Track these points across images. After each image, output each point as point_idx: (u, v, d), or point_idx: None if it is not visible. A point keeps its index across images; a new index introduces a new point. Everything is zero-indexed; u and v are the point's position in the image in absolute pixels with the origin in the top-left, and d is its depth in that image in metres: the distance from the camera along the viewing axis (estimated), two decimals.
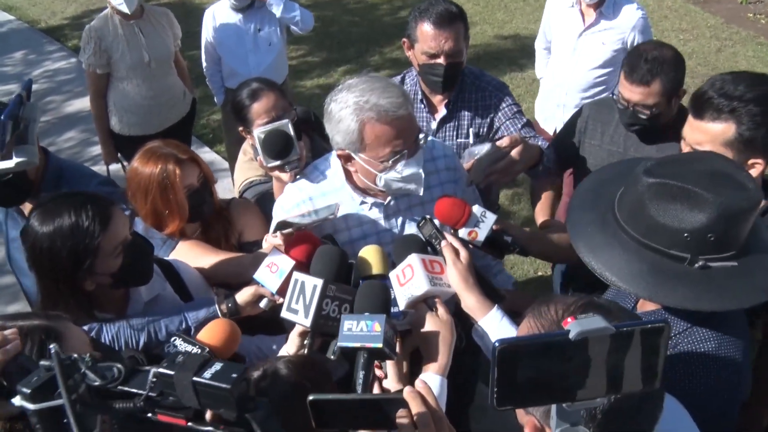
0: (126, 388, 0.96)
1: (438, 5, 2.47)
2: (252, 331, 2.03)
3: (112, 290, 1.88)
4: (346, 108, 1.75)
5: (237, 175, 2.72)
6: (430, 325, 1.49)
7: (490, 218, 1.76)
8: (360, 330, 1.35)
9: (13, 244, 2.51)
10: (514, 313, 1.65)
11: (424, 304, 1.54)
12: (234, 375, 0.90)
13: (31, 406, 0.95)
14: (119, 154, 4.22)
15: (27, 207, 2.41)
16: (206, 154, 5.71)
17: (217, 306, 1.92)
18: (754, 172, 1.83)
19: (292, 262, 1.71)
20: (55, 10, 9.09)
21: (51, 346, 0.89)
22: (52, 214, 1.72)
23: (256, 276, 1.75)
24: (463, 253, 1.62)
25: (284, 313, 1.54)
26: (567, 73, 3.68)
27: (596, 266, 1.47)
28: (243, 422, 0.92)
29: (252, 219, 2.41)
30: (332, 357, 1.49)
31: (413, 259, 1.57)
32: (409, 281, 1.56)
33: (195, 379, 0.89)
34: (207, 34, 4.13)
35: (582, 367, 0.89)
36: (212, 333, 1.48)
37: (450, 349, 1.46)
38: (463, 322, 1.59)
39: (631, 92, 2.36)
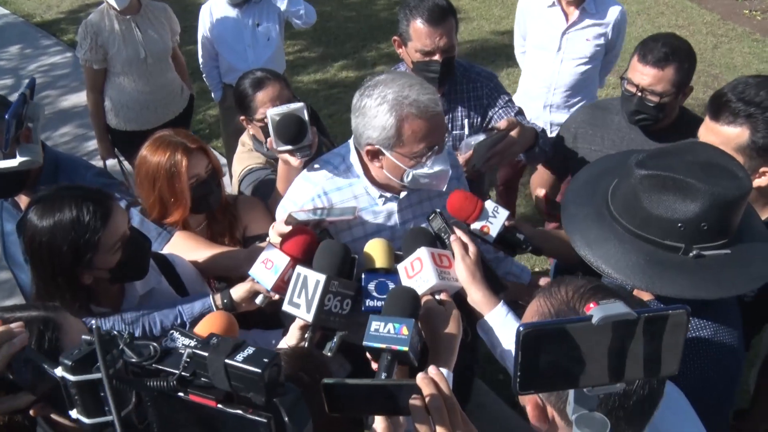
0: (160, 367, 0.98)
1: (428, 1, 2.46)
2: (248, 326, 2.04)
3: (108, 284, 1.88)
4: (384, 104, 1.76)
5: (236, 165, 2.72)
6: (436, 319, 1.49)
7: (503, 214, 1.77)
8: (387, 332, 1.35)
9: (9, 238, 2.51)
10: (514, 302, 1.68)
11: (431, 297, 1.55)
12: (265, 360, 0.91)
13: (71, 378, 0.97)
14: (116, 150, 4.20)
15: (23, 200, 2.41)
16: None
17: (212, 301, 1.92)
18: (765, 180, 1.84)
19: (288, 259, 1.70)
20: (50, 4, 9.05)
21: (91, 321, 0.92)
22: (52, 208, 1.72)
23: (251, 272, 1.75)
24: (472, 248, 1.64)
25: (286, 307, 1.55)
26: (553, 72, 3.69)
27: (593, 259, 1.48)
28: (271, 407, 0.93)
29: (258, 214, 2.41)
30: (329, 353, 1.49)
31: (422, 253, 1.58)
32: (417, 274, 1.56)
33: (227, 361, 0.91)
34: (204, 29, 4.10)
35: (603, 352, 0.90)
36: (209, 326, 1.49)
37: (456, 344, 1.47)
38: (468, 317, 1.59)
39: (642, 75, 2.33)
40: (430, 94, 1.77)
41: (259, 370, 0.89)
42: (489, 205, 1.76)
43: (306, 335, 1.55)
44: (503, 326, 1.58)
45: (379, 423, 1.20)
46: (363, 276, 1.61)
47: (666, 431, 1.20)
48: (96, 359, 0.93)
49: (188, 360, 0.96)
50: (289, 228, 1.78)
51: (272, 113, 2.07)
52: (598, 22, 3.56)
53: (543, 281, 1.91)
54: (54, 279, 1.77)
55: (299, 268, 1.55)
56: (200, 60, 4.24)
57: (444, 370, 1.42)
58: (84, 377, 0.97)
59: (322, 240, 1.73)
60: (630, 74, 2.39)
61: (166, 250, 2.18)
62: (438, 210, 1.75)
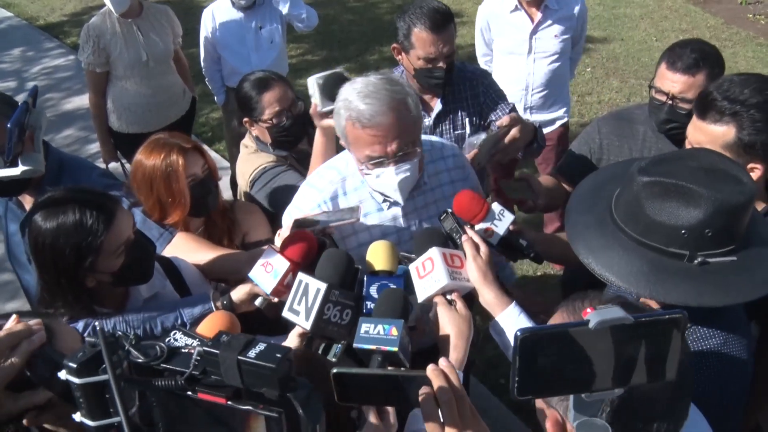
0: (169, 366, 0.98)
1: (427, 8, 2.47)
2: (252, 331, 2.02)
3: (112, 287, 1.88)
4: (339, 103, 1.79)
5: (243, 167, 2.69)
6: (448, 319, 1.49)
7: (508, 217, 1.75)
8: (377, 333, 1.36)
9: (13, 239, 2.51)
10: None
11: (442, 297, 1.55)
12: (278, 355, 0.91)
13: (76, 380, 0.97)
14: (118, 153, 4.21)
15: (27, 200, 2.40)
16: None
17: (212, 302, 1.92)
18: (753, 176, 1.83)
19: (287, 263, 1.69)
20: (54, 6, 9.08)
21: (96, 322, 0.92)
22: (56, 210, 1.72)
23: (251, 275, 1.75)
24: (483, 248, 1.63)
25: (285, 313, 1.54)
26: (528, 74, 3.72)
27: (596, 267, 1.47)
28: (283, 402, 0.93)
29: (256, 221, 2.40)
30: (333, 359, 1.49)
31: (434, 253, 1.57)
32: (428, 274, 1.56)
33: (240, 357, 0.91)
34: (206, 33, 4.11)
35: (601, 357, 0.90)
36: (212, 326, 1.48)
37: (467, 344, 1.47)
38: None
39: (672, 82, 2.25)
40: (374, 105, 1.73)
41: (273, 365, 0.90)
42: (496, 207, 1.75)
43: (304, 343, 1.54)
44: (516, 327, 1.55)
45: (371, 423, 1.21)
46: (365, 279, 1.60)
47: None
48: (101, 361, 0.92)
49: (198, 358, 0.96)
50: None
51: (315, 78, 2.15)
52: (563, 17, 3.62)
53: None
54: (57, 281, 1.77)
55: (301, 275, 1.55)
56: (202, 63, 4.25)
57: None
58: (90, 379, 0.97)
59: (325, 246, 1.72)
60: (659, 82, 2.29)
61: (167, 251, 2.17)
62: (449, 210, 1.74)
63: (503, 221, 1.74)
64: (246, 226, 2.39)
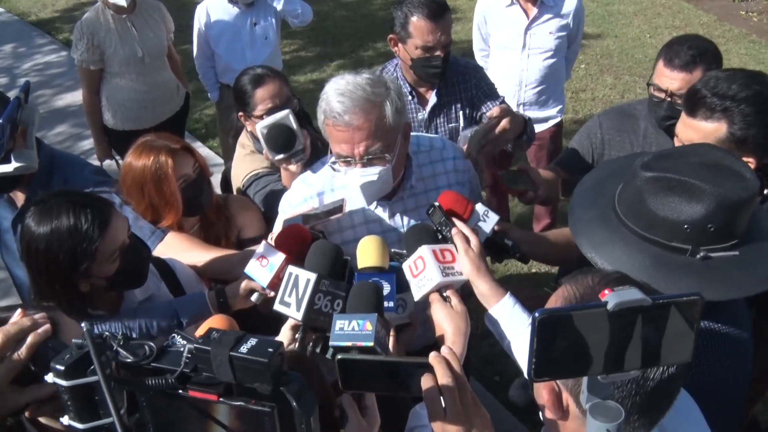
0: (159, 365, 0.98)
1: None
2: (248, 331, 2.02)
3: (106, 291, 1.86)
4: (322, 95, 1.79)
5: (238, 169, 2.69)
6: (444, 316, 1.49)
7: (493, 218, 1.74)
8: (351, 329, 1.36)
9: (6, 235, 2.48)
10: None
11: (437, 294, 1.55)
12: (270, 349, 0.91)
13: (64, 383, 0.96)
14: (112, 150, 4.18)
15: (19, 196, 2.39)
16: (199, 149, 5.64)
17: (208, 300, 1.91)
18: None
19: (283, 256, 1.70)
20: (45, 2, 9.02)
21: (82, 324, 0.91)
22: (50, 214, 1.69)
23: (247, 270, 1.74)
24: (474, 241, 1.62)
25: (277, 306, 1.54)
26: (522, 70, 3.73)
27: (599, 262, 1.48)
28: (276, 396, 0.93)
29: (251, 216, 2.39)
30: (329, 357, 1.48)
31: (424, 251, 1.57)
32: (421, 273, 1.56)
33: (232, 353, 0.91)
34: (200, 29, 4.08)
35: (618, 338, 0.90)
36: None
37: (465, 339, 1.47)
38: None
39: (671, 79, 2.27)
40: (344, 103, 1.72)
41: (265, 360, 0.89)
42: (480, 208, 1.74)
43: (297, 335, 1.54)
44: (511, 317, 1.57)
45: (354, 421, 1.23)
46: (355, 275, 1.60)
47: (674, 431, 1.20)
48: (89, 362, 0.91)
49: (189, 356, 0.95)
50: None
51: (260, 127, 2.11)
52: (559, 14, 3.62)
53: None
54: (50, 285, 1.74)
55: (291, 268, 1.55)
56: (196, 60, 4.22)
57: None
58: (78, 381, 0.96)
59: (316, 240, 1.73)
60: (657, 79, 2.32)
61: (158, 250, 2.15)
62: (437, 204, 1.73)
63: (488, 222, 1.73)
64: (241, 222, 2.38)
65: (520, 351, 1.57)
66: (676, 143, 1.95)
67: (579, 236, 1.56)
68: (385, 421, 1.40)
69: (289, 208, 2.00)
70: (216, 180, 2.78)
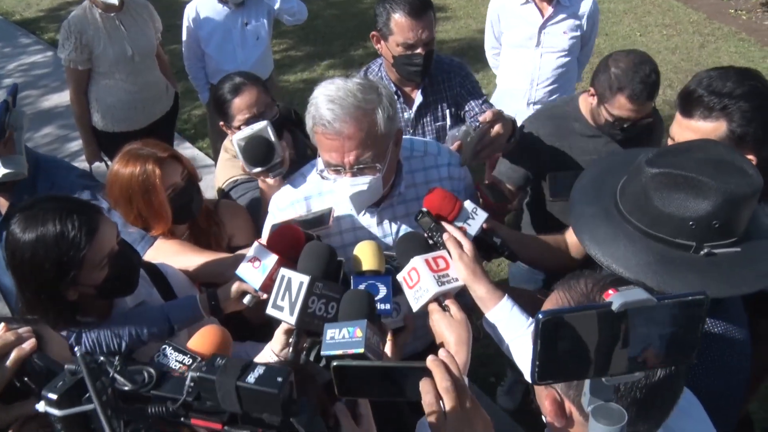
0: (159, 393, 0.94)
1: None
2: (242, 337, 1.98)
3: (95, 300, 1.81)
4: (311, 100, 1.74)
5: (219, 174, 2.65)
6: (444, 326, 1.47)
7: (481, 215, 1.71)
8: (342, 337, 1.34)
9: None
10: None
11: (436, 304, 1.52)
12: (279, 379, 0.88)
13: (57, 413, 0.92)
14: (102, 153, 4.11)
15: (2, 203, 2.32)
16: (188, 150, 5.63)
17: (200, 305, 1.87)
18: None
19: (275, 257, 1.66)
20: (30, 1, 8.91)
21: (76, 348, 0.86)
22: (36, 221, 1.64)
23: (239, 272, 1.70)
24: (467, 245, 1.60)
25: (269, 310, 1.51)
26: (534, 68, 3.72)
27: (602, 258, 1.47)
28: (285, 427, 0.91)
29: (241, 222, 2.34)
30: (322, 365, 1.45)
31: (417, 262, 1.55)
32: (416, 284, 1.54)
33: (239, 383, 0.88)
34: (190, 29, 4.01)
35: (622, 339, 0.89)
36: (203, 341, 1.43)
37: (468, 347, 1.45)
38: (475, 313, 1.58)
39: (630, 111, 2.41)
40: (333, 111, 1.66)
41: (275, 391, 0.87)
42: (468, 205, 1.71)
43: (290, 340, 1.51)
44: (509, 320, 1.56)
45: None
46: (352, 279, 1.58)
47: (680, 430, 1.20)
48: (83, 389, 0.87)
49: (192, 384, 0.92)
50: None
51: (237, 139, 2.04)
52: (574, 14, 3.61)
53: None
54: (37, 295, 1.69)
55: (283, 270, 1.52)
56: (185, 61, 4.15)
57: None
58: (72, 411, 0.91)
59: (310, 241, 1.69)
60: (616, 110, 2.42)
61: (149, 255, 2.10)
62: (425, 209, 1.70)
63: (476, 219, 1.70)
64: (231, 229, 2.33)
65: (520, 354, 1.56)
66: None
67: (581, 233, 1.55)
68: (381, 429, 1.38)
69: (278, 211, 1.96)
70: (207, 182, 2.72)
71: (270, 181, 2.10)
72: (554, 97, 3.76)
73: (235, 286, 1.83)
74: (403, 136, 1.93)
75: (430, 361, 1.16)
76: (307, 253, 1.57)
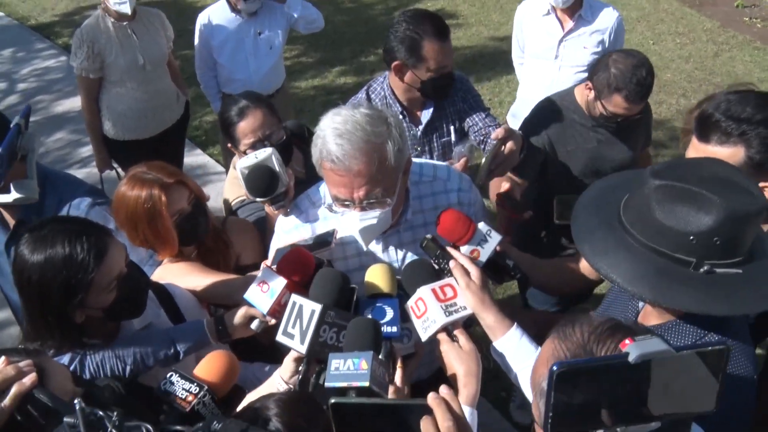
0: None
1: (428, 19, 2.44)
2: (251, 358, 1.97)
3: (103, 322, 1.80)
4: (317, 131, 1.68)
5: (228, 191, 2.62)
6: (453, 357, 1.45)
7: (495, 238, 1.68)
8: (347, 368, 1.31)
9: (0, 258, 2.42)
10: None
11: (444, 335, 1.50)
12: None
13: None
14: (112, 160, 4.12)
15: (7, 216, 2.32)
16: (199, 157, 5.64)
17: (207, 329, 1.85)
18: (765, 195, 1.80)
19: (284, 281, 1.64)
20: (45, 6, 8.95)
21: (76, 401, 0.85)
22: (45, 242, 1.63)
23: (247, 296, 1.68)
24: (475, 272, 1.58)
25: (279, 337, 1.49)
26: (552, 81, 3.68)
27: (602, 267, 1.46)
28: None
29: (249, 241, 2.33)
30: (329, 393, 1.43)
31: (423, 292, 1.53)
32: (424, 314, 1.52)
33: None
34: (202, 38, 4.00)
35: (638, 389, 0.88)
36: (210, 368, 1.42)
37: (478, 379, 1.44)
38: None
39: (624, 110, 2.63)
40: (343, 146, 1.61)
41: None
42: (482, 227, 1.68)
43: (300, 368, 1.49)
44: (518, 350, 1.55)
45: None
46: (360, 303, 1.57)
47: None
48: None
49: None
50: None
51: (241, 167, 1.99)
52: (595, 30, 3.57)
53: None
54: (44, 316, 1.68)
55: (294, 297, 1.50)
56: (197, 70, 4.15)
57: (467, 408, 1.38)
58: None
59: (322, 266, 1.67)
60: (610, 107, 2.65)
61: (156, 274, 2.09)
62: (429, 236, 1.68)
63: (490, 242, 1.66)
64: (239, 247, 2.31)
65: (528, 384, 1.54)
66: None
67: (582, 243, 1.54)
68: None
69: (284, 234, 1.95)
70: (217, 188, 2.70)
71: (272, 213, 2.07)
72: None
73: (243, 312, 1.80)
74: (412, 158, 1.88)
75: (431, 399, 1.14)
76: (319, 280, 1.55)
